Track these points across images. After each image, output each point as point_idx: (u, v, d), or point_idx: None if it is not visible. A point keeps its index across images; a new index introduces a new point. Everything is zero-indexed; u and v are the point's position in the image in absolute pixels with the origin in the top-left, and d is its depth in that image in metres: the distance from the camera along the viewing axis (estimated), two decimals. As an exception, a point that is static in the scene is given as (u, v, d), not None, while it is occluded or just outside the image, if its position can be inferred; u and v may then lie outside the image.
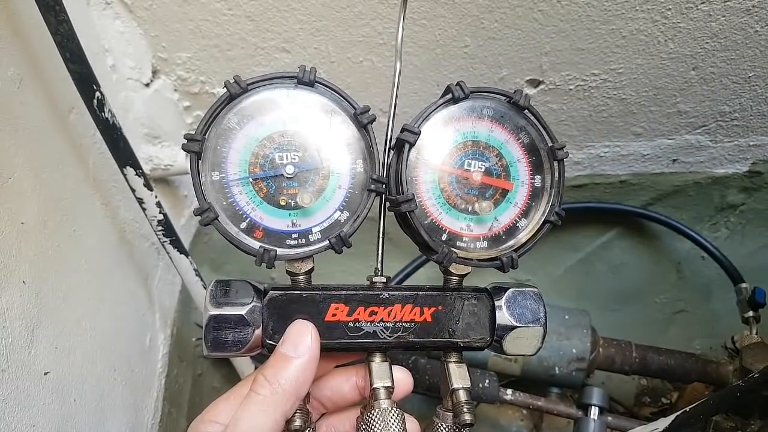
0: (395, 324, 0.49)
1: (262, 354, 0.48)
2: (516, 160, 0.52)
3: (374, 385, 0.47)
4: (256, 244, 0.47)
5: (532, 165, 0.52)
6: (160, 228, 0.73)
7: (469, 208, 0.51)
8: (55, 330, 0.63)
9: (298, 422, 0.45)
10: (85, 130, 0.70)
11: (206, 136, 0.46)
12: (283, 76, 0.48)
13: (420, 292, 0.50)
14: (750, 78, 0.92)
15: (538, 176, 0.52)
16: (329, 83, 0.49)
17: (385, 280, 0.51)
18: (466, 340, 0.50)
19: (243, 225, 0.47)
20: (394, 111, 0.53)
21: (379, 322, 0.49)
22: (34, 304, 0.59)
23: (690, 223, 1.16)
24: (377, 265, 0.53)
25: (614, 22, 0.83)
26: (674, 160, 1.08)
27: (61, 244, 0.65)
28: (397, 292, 0.49)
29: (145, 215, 0.72)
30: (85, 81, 0.61)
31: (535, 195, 0.52)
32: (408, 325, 0.49)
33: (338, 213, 0.49)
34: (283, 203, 0.48)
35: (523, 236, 0.52)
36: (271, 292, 0.48)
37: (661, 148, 1.05)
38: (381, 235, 0.54)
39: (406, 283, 1.08)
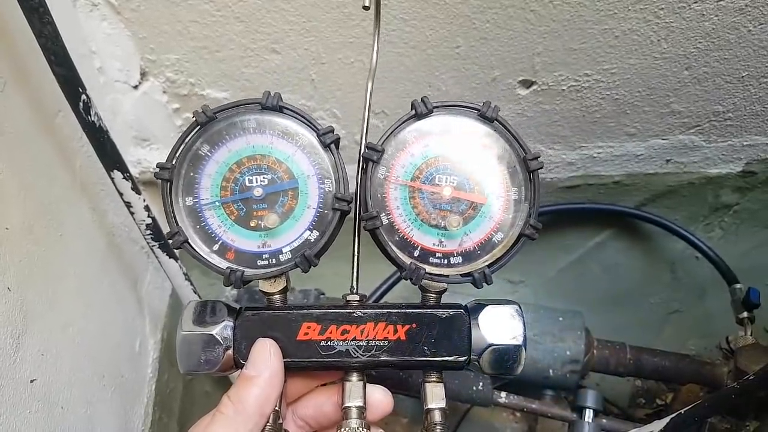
0: (368, 342, 0.48)
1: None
2: (489, 172, 0.51)
3: (344, 405, 0.47)
4: (225, 265, 0.48)
5: (506, 177, 0.51)
6: (148, 232, 0.72)
7: (441, 224, 0.50)
8: (42, 337, 0.62)
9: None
10: (71, 133, 0.70)
11: (176, 164, 0.48)
12: (248, 102, 0.50)
13: (393, 310, 0.49)
14: (743, 78, 0.92)
15: (514, 189, 0.51)
16: (293, 107, 0.50)
17: (359, 298, 0.50)
18: (442, 359, 0.48)
19: (215, 247, 0.49)
20: (367, 129, 0.53)
21: (352, 340, 0.48)
22: (20, 311, 0.58)
23: (684, 223, 1.16)
24: (352, 282, 0.52)
25: (606, 22, 0.82)
26: (668, 161, 1.07)
27: (48, 250, 0.64)
28: (370, 311, 0.49)
29: (134, 219, 0.71)
30: (71, 83, 0.59)
31: (509, 208, 0.51)
32: (381, 343, 0.48)
33: (308, 232, 0.50)
34: (253, 225, 0.49)
35: (497, 251, 0.50)
36: (243, 312, 0.49)
37: (655, 148, 1.05)
38: (356, 253, 0.53)
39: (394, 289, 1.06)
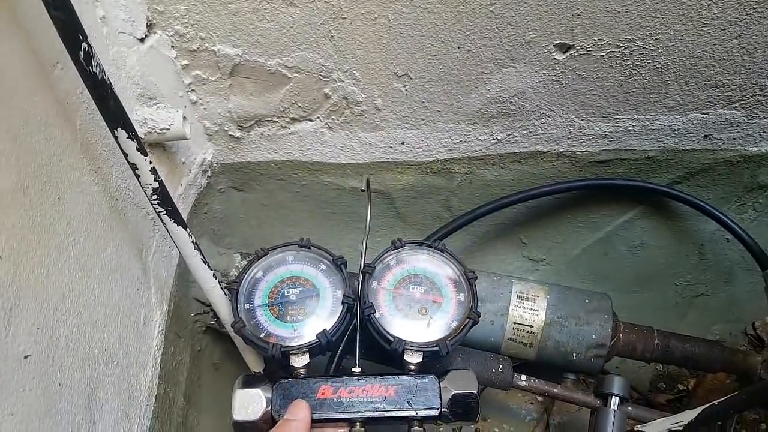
0: (367, 398, 0.68)
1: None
2: (444, 285, 0.79)
3: None
4: (268, 345, 0.71)
5: (455, 286, 0.78)
6: (155, 197, 0.67)
7: (415, 315, 0.76)
8: (37, 309, 0.57)
9: None
10: (71, 87, 0.63)
11: (240, 281, 0.76)
12: (290, 243, 0.81)
13: (386, 375, 0.70)
14: (797, 49, 0.85)
15: (461, 293, 0.78)
16: (317, 245, 0.81)
17: (360, 371, 0.72)
18: (421, 408, 0.68)
19: (262, 334, 0.72)
20: (365, 256, 0.80)
21: (356, 397, 0.68)
22: (12, 281, 0.53)
23: (716, 203, 1.10)
24: (355, 360, 0.74)
25: (656, -19, 0.75)
26: (705, 137, 1.01)
27: (44, 214, 0.59)
28: (369, 377, 0.70)
29: (139, 182, 0.66)
30: (70, 29, 0.53)
31: (459, 304, 0.77)
32: (376, 398, 0.68)
33: (324, 322, 0.74)
34: (288, 319, 0.74)
35: (453, 331, 0.74)
36: (279, 381, 0.69)
37: (693, 123, 0.98)
38: (358, 336, 0.76)
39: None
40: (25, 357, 0.55)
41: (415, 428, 0.68)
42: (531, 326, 0.95)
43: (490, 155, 1.04)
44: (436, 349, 0.71)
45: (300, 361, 0.70)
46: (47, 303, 0.59)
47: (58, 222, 0.61)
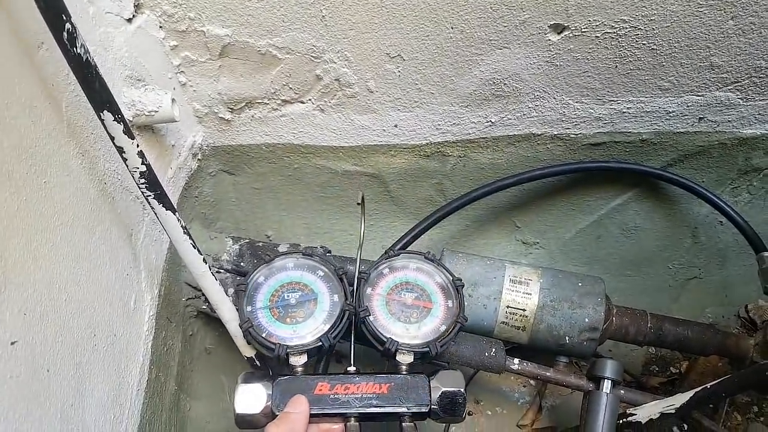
0: (362, 395, 0.72)
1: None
2: (433, 291, 0.84)
3: None
4: (272, 345, 0.75)
5: (444, 293, 0.83)
6: (142, 181, 0.66)
7: (407, 319, 0.80)
8: (23, 294, 0.56)
9: None
10: (57, 69, 0.62)
11: (247, 284, 0.81)
12: (293, 251, 0.86)
13: (379, 374, 0.74)
14: (794, 30, 0.84)
15: (449, 300, 0.83)
16: (317, 253, 0.86)
17: (355, 370, 0.76)
18: (412, 405, 0.72)
19: (263, 334, 0.76)
20: (359, 266, 0.84)
21: (351, 394, 0.72)
22: (-3, 266, 0.52)
23: (710, 186, 1.10)
24: (351, 361, 0.78)
25: (654, -40, 0.74)
26: (700, 119, 1.00)
27: (30, 198, 0.58)
28: (363, 375, 0.74)
29: (126, 166, 0.65)
30: (53, 10, 0.52)
31: (447, 310, 0.82)
32: (370, 395, 0.72)
33: (322, 325, 0.78)
34: (288, 321, 0.78)
35: (442, 334, 0.79)
36: (279, 378, 0.73)
37: (688, 105, 0.97)
38: (353, 337, 0.81)
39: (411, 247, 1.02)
40: (12, 343, 0.54)
41: (406, 423, 0.72)
42: (524, 310, 0.95)
43: (483, 138, 1.03)
44: (426, 350, 0.76)
45: (299, 360, 0.74)
46: (34, 288, 0.58)
47: (45, 206, 0.60)
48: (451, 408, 0.72)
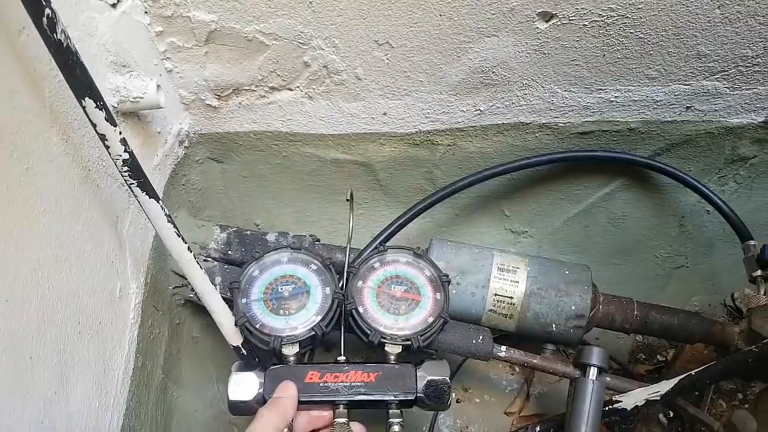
0: (351, 384, 0.73)
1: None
2: (422, 284, 0.86)
3: (334, 422, 0.72)
4: (267, 336, 0.77)
5: (432, 286, 0.86)
6: (125, 169, 0.65)
7: (395, 311, 0.82)
8: (5, 282, 0.56)
9: None
10: (38, 54, 0.61)
11: (241, 280, 0.82)
12: (284, 246, 0.88)
13: (368, 363, 0.76)
14: (780, 19, 0.84)
15: (438, 293, 0.85)
16: (308, 248, 0.89)
17: (345, 359, 0.78)
18: (399, 393, 0.74)
19: (257, 325, 0.78)
20: (348, 261, 0.87)
21: (340, 382, 0.73)
22: (-23, 253, 0.52)
23: (697, 175, 1.10)
24: (341, 351, 0.80)
25: (642, -53, 0.74)
26: (688, 108, 1.00)
27: (11, 184, 0.57)
28: (352, 364, 0.76)
29: (108, 153, 0.64)
30: (32, -6, 0.51)
31: (435, 303, 0.84)
32: (359, 384, 0.73)
33: (314, 316, 0.79)
34: (282, 313, 0.80)
35: (427, 327, 0.81)
36: (270, 366, 0.75)
37: (676, 94, 0.98)
38: (343, 328, 0.83)
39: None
40: (-6, 330, 0.54)
41: (393, 410, 0.74)
42: (511, 297, 0.95)
43: (472, 126, 1.02)
44: (409, 343, 0.78)
45: (291, 350, 0.76)
46: (16, 276, 0.58)
47: (27, 192, 0.60)
48: (436, 396, 0.74)
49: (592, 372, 0.88)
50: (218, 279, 0.96)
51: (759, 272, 0.99)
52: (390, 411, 0.74)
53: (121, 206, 0.81)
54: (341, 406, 0.73)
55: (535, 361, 0.94)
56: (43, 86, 0.63)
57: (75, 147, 0.69)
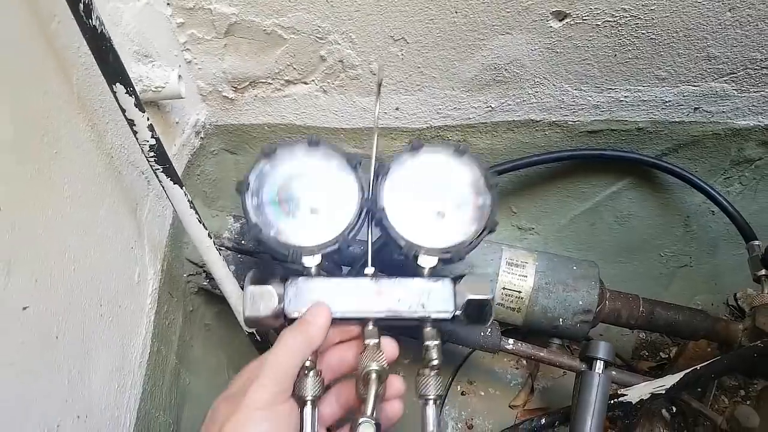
0: (381, 299, 0.63)
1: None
2: (462, 189, 0.69)
3: (364, 342, 0.61)
4: (285, 245, 0.65)
5: (474, 190, 0.69)
6: (152, 154, 0.67)
7: (431, 218, 0.68)
8: (35, 262, 0.57)
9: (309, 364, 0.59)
10: (69, 42, 0.63)
11: (250, 178, 0.66)
12: (299, 141, 0.69)
13: (399, 277, 0.65)
14: (789, 23, 0.86)
15: (480, 197, 0.69)
16: (327, 143, 0.69)
17: (373, 272, 0.66)
18: (434, 310, 0.64)
19: (271, 232, 0.65)
20: (375, 155, 0.71)
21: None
22: (10, 233, 0.53)
23: (703, 176, 1.12)
24: (368, 263, 0.67)
25: (656, -51, 0.75)
26: (696, 109, 1.02)
27: (42, 168, 0.59)
28: (382, 278, 0.65)
29: (136, 139, 0.66)
30: (69, -19, 0.53)
31: (477, 209, 0.68)
32: (390, 300, 0.63)
33: (338, 224, 0.66)
34: (300, 217, 0.66)
35: (470, 238, 0.67)
36: (291, 278, 0.64)
37: (684, 95, 0.99)
38: (370, 237, 0.69)
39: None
40: (24, 308, 0.56)
41: (428, 329, 0.64)
42: (519, 291, 0.97)
43: (483, 123, 1.04)
44: (449, 255, 0.66)
45: (313, 261, 0.65)
46: (46, 256, 0.59)
47: (56, 176, 0.62)
48: (477, 315, 0.65)
49: (599, 365, 0.90)
50: (232, 268, 0.98)
51: (763, 271, 1.00)
52: (425, 331, 0.64)
53: (141, 194, 0.82)
54: (370, 323, 0.64)
55: (542, 354, 0.96)
56: (72, 74, 0.65)
57: (99, 134, 0.71)
